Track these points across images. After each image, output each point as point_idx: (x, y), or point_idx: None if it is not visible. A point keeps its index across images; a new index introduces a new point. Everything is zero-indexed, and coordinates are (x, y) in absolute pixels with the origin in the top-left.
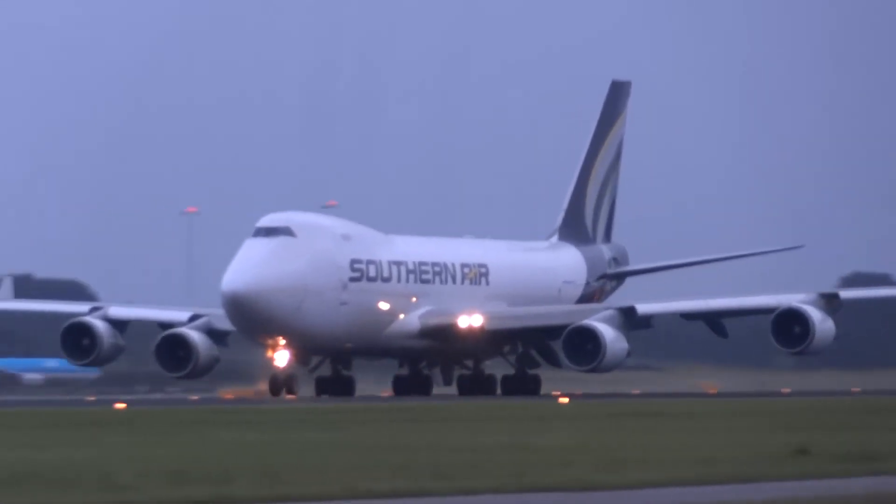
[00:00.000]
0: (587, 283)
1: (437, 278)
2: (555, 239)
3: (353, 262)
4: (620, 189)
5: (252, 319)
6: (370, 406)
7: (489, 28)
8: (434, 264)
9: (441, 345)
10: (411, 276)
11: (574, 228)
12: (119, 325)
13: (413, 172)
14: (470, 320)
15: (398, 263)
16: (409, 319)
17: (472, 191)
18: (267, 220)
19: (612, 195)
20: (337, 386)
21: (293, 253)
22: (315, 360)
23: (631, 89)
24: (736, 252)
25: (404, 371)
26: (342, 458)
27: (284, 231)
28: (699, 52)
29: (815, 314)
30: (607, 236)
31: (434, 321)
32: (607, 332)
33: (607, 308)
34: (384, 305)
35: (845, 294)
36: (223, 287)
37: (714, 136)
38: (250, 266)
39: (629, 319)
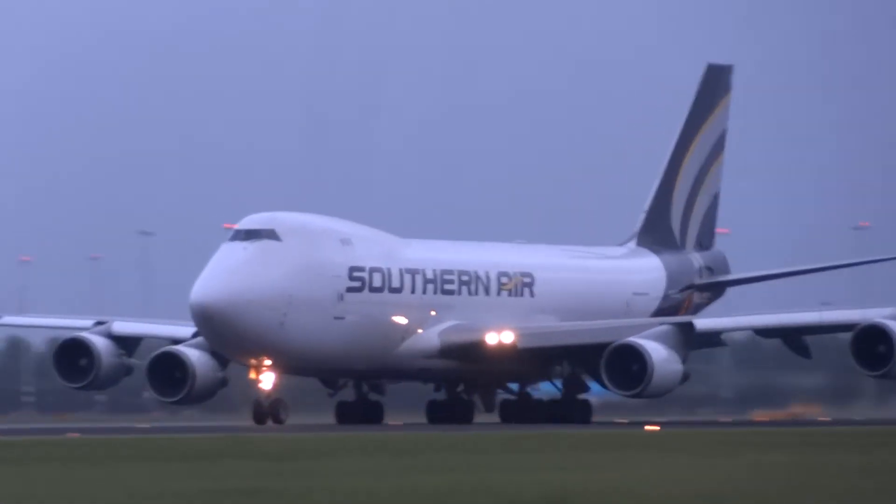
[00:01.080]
0: (666, 296)
1: (465, 289)
2: (632, 245)
3: (353, 269)
4: (726, 188)
5: (225, 336)
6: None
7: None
8: (462, 273)
9: (467, 365)
10: (430, 287)
11: (657, 233)
12: (126, 342)
13: (479, 172)
14: (499, 337)
15: (413, 272)
16: (427, 336)
17: (537, 191)
18: (248, 222)
19: (712, 194)
20: (362, 412)
21: (276, 259)
22: (342, 381)
23: (732, 74)
24: (848, 260)
25: (441, 395)
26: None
27: (267, 234)
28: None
29: None
30: (704, 242)
31: (457, 338)
32: (656, 352)
33: (662, 323)
34: (398, 320)
35: None
36: (191, 298)
37: (826, 128)
38: (223, 274)
39: (687, 336)
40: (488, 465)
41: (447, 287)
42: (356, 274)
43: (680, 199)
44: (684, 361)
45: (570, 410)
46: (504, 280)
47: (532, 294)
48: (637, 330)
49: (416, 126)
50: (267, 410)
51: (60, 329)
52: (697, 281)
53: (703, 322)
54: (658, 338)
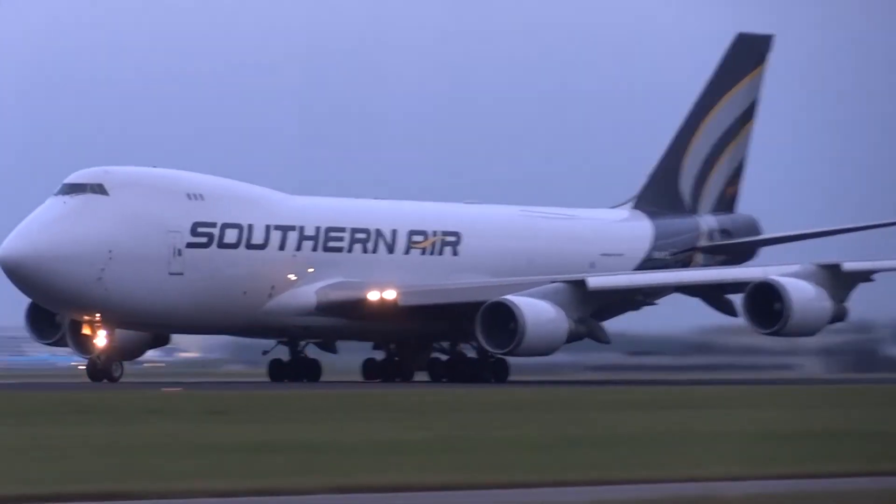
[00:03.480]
0: (649, 257)
1: (359, 247)
2: (626, 208)
3: (197, 224)
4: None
5: (36, 291)
6: None
7: None
8: (357, 230)
9: (353, 323)
10: (306, 244)
11: (660, 196)
12: None
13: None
14: (381, 294)
15: (285, 228)
16: (300, 293)
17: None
18: (75, 176)
19: (736, 161)
20: (296, 370)
21: (97, 213)
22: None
23: (770, 44)
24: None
25: (380, 354)
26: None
27: (93, 188)
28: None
29: (798, 289)
30: (724, 206)
31: (335, 296)
32: (529, 308)
33: (554, 281)
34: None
35: (850, 265)
36: None
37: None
38: (34, 228)
39: (581, 294)
40: None
41: (332, 244)
42: (200, 229)
43: (693, 164)
44: (581, 320)
45: (482, 369)
46: (418, 239)
47: (455, 253)
48: (523, 288)
49: (420, 90)
50: (101, 368)
51: None
52: (701, 244)
53: (595, 280)
54: (545, 296)
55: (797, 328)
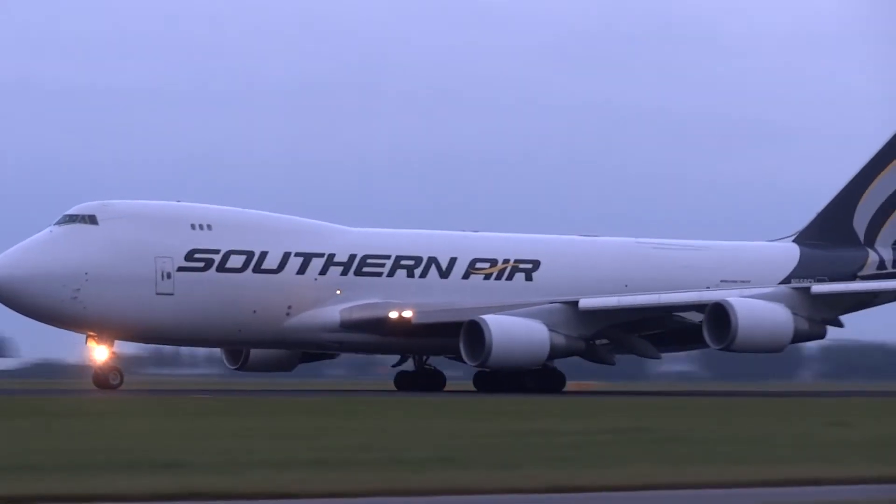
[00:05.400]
0: (786, 283)
1: (404, 272)
2: (784, 241)
3: (195, 251)
4: None
5: (17, 306)
6: None
7: None
8: (402, 258)
9: (379, 338)
10: (333, 270)
11: (827, 232)
12: None
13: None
14: (400, 313)
15: (310, 255)
16: (324, 312)
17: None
18: (73, 209)
19: None
20: (421, 381)
21: (79, 241)
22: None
23: None
24: None
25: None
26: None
27: (83, 219)
28: None
29: (748, 309)
30: None
31: (358, 314)
32: (497, 326)
33: (553, 302)
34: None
35: (818, 289)
36: None
37: None
38: (16, 252)
39: (572, 312)
40: None
41: (366, 270)
42: (198, 255)
43: (872, 203)
44: (580, 337)
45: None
46: (482, 265)
47: (529, 279)
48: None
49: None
50: (101, 377)
51: None
52: (862, 272)
53: (586, 301)
54: (536, 315)
55: (746, 344)
